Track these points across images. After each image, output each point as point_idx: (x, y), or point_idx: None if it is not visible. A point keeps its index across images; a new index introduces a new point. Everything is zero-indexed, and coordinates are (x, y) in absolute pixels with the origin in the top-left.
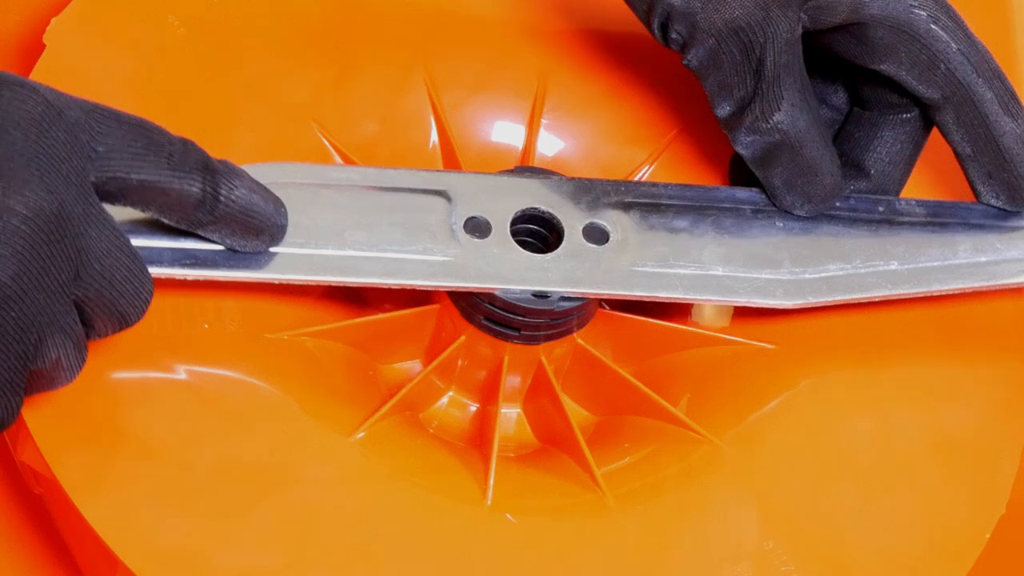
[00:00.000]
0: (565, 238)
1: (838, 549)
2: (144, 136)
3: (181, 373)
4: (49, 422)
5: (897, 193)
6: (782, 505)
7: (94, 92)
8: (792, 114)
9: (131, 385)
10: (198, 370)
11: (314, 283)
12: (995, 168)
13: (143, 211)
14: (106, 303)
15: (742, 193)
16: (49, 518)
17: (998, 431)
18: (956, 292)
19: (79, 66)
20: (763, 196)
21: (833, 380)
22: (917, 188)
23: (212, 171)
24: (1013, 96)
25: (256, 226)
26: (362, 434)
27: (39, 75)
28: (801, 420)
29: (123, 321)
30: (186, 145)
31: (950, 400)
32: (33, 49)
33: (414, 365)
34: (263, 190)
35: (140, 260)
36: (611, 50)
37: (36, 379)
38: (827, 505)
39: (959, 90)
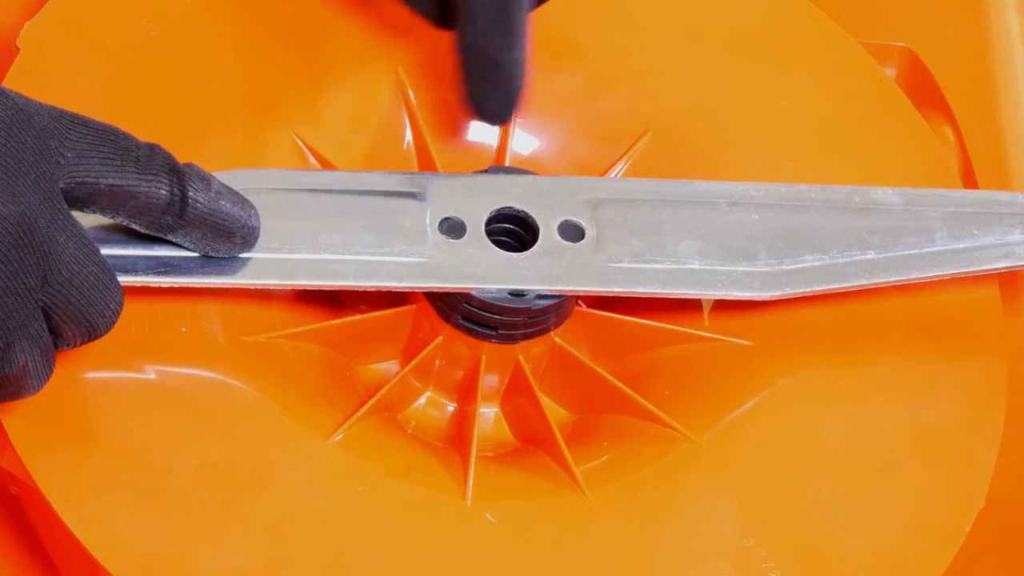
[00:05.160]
0: (540, 236)
1: (818, 545)
2: (111, 141)
3: (159, 376)
4: (28, 426)
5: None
6: (762, 502)
7: (68, 96)
8: None
9: (110, 388)
10: (176, 373)
11: (289, 287)
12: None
13: (112, 217)
14: (74, 311)
15: (717, 186)
16: (27, 520)
17: (976, 425)
18: (934, 279)
19: (53, 70)
20: (738, 188)
21: (811, 376)
22: (890, 179)
23: (179, 174)
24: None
25: (227, 229)
26: (340, 435)
27: (13, 79)
28: (780, 417)
29: (91, 330)
30: (153, 149)
31: (928, 394)
32: (6, 53)
33: (391, 366)
34: (232, 193)
35: (109, 270)
36: (584, 48)
37: (3, 385)
38: (807, 501)
39: None
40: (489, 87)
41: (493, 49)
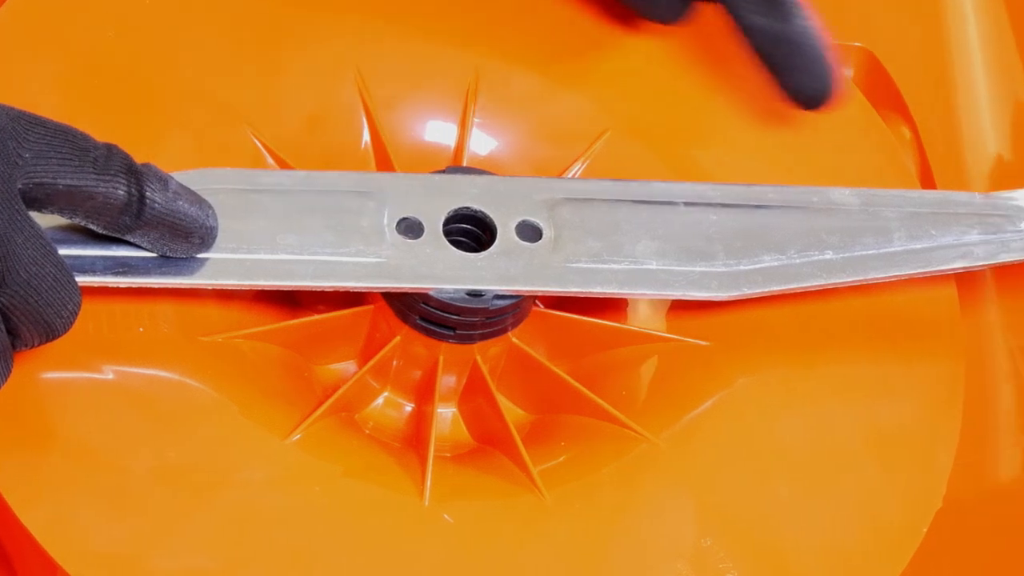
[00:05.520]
0: (498, 237)
1: (775, 546)
2: (69, 142)
3: (117, 376)
4: None
5: None
6: (719, 502)
7: (26, 96)
8: None
9: (67, 388)
10: (134, 373)
11: (247, 288)
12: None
13: (70, 217)
14: (31, 312)
15: (675, 187)
16: None
17: (934, 425)
18: (892, 280)
19: (10, 71)
20: (696, 189)
21: (769, 377)
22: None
23: (137, 174)
24: None
25: (184, 229)
26: (298, 436)
27: None
28: (737, 417)
29: (49, 331)
30: (110, 150)
31: (886, 395)
32: None
33: (349, 366)
34: (189, 193)
35: (67, 270)
36: (543, 48)
37: None
38: (764, 502)
39: None
40: (794, 67)
41: (777, 24)
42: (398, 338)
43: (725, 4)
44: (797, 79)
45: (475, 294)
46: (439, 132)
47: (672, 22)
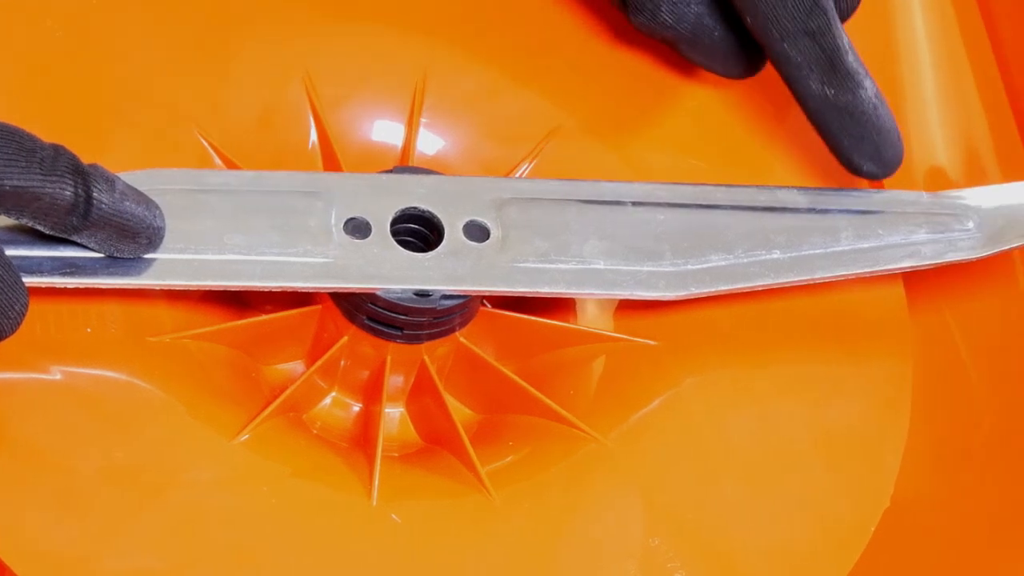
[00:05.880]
0: (445, 236)
1: (724, 545)
2: (15, 142)
3: (64, 377)
4: None
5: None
6: (667, 502)
7: None
8: None
9: (14, 389)
10: (82, 373)
11: (195, 288)
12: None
13: (17, 218)
14: None
15: (623, 187)
16: None
17: (881, 425)
18: (839, 279)
19: None
20: (645, 188)
21: (716, 376)
22: (798, 178)
23: (84, 175)
24: (828, 59)
25: (132, 229)
26: (246, 436)
27: None
28: (685, 417)
29: None
30: (57, 150)
31: (834, 394)
32: None
33: (297, 366)
34: (136, 193)
35: (14, 271)
36: (491, 47)
37: None
38: (712, 502)
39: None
40: (856, 137)
41: (842, 95)
42: (346, 338)
43: (780, 71)
44: (865, 149)
45: (423, 294)
46: (387, 132)
47: (743, 77)
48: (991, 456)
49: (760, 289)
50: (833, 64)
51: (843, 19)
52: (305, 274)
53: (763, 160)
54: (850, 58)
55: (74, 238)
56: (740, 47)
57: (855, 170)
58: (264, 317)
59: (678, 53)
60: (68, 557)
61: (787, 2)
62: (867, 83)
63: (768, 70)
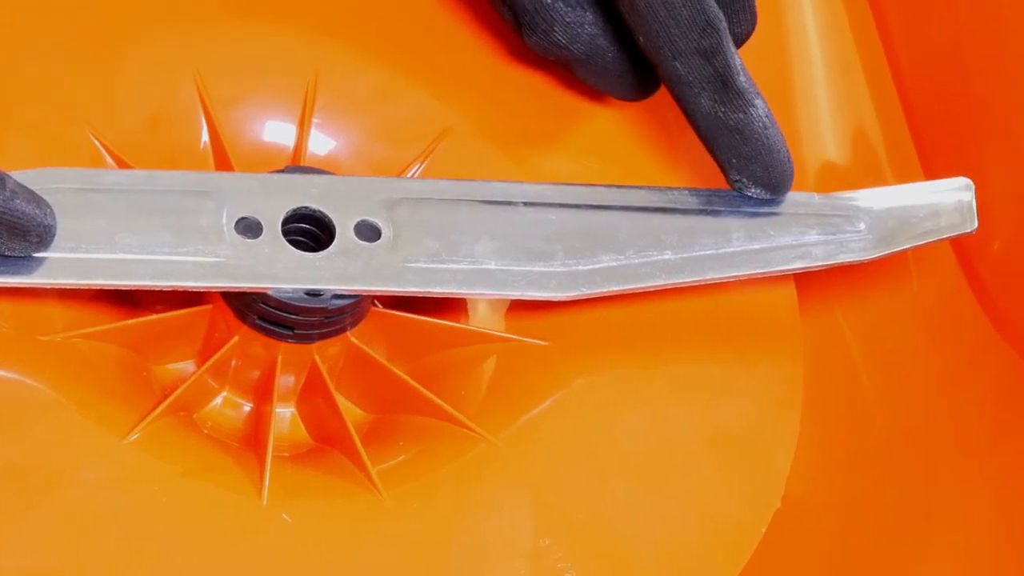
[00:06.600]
0: (337, 236)
1: (614, 545)
2: None
3: None
4: None
5: None
6: (558, 502)
7: None
8: None
9: None
10: None
11: (86, 287)
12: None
13: None
14: None
15: (515, 187)
16: None
17: (772, 425)
18: (731, 280)
19: None
20: (536, 189)
21: (607, 377)
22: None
23: None
24: (719, 77)
25: (22, 227)
26: (136, 435)
27: None
28: (576, 417)
29: None
30: None
31: (724, 395)
32: None
33: (188, 366)
34: (27, 192)
35: None
36: (382, 48)
37: None
38: (602, 502)
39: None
40: (745, 157)
41: (732, 114)
42: (237, 338)
43: (672, 90)
44: (754, 170)
45: (314, 294)
46: (278, 132)
47: (637, 99)
48: (881, 457)
49: (652, 290)
50: (724, 83)
51: (737, 45)
52: (196, 273)
53: (657, 162)
54: (742, 77)
55: None
56: (634, 69)
57: (742, 189)
58: (155, 317)
59: (573, 75)
60: None
61: (680, 21)
62: (758, 102)
63: (663, 93)
